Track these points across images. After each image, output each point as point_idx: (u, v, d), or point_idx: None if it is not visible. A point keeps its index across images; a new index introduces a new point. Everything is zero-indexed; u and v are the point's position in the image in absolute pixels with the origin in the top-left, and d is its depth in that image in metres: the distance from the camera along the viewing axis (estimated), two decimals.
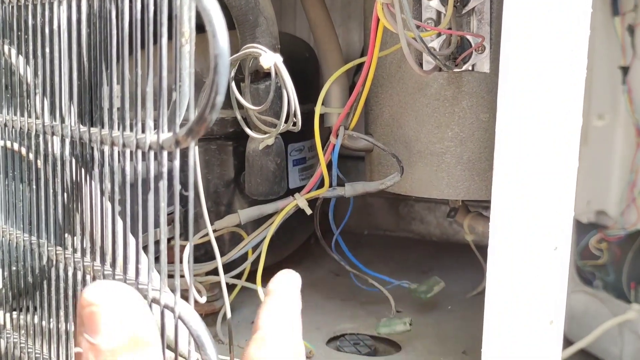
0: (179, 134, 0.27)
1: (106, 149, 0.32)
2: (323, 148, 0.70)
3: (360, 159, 0.76)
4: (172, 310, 0.28)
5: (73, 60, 0.34)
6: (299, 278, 0.33)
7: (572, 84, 0.37)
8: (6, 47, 0.38)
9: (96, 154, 0.33)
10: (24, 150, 0.38)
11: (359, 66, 0.55)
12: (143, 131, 0.29)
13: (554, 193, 0.38)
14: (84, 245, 0.34)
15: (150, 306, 0.30)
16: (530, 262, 0.39)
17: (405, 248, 0.79)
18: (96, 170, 0.33)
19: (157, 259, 0.52)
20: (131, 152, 0.30)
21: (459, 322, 0.56)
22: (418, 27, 0.44)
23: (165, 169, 0.28)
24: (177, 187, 0.28)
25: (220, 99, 0.26)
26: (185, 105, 0.32)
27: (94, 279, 0.34)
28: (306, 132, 0.62)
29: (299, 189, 0.58)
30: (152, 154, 0.29)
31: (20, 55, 0.37)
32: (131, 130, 0.30)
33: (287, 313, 0.31)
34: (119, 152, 0.30)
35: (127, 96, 0.31)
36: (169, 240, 0.56)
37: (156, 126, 0.28)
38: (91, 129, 0.32)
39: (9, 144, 0.39)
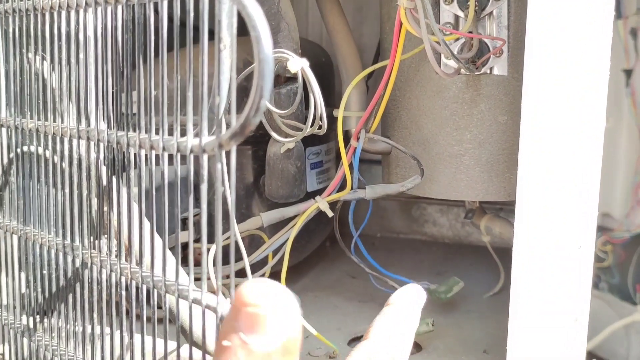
0: (222, 138, 0.27)
1: (143, 152, 0.32)
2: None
3: (372, 162, 0.77)
4: (215, 310, 0.29)
5: (108, 65, 0.34)
6: (424, 294, 0.33)
7: (594, 84, 0.37)
8: (38, 55, 0.39)
9: (132, 158, 0.33)
10: (55, 156, 0.38)
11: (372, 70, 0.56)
12: (181, 135, 0.30)
13: (577, 191, 0.38)
14: (120, 248, 0.35)
15: (191, 307, 0.31)
16: (554, 260, 0.39)
17: (419, 250, 0.80)
18: (132, 174, 0.34)
19: (183, 260, 0.52)
20: (170, 156, 0.31)
21: (478, 322, 0.57)
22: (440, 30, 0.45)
23: (205, 172, 0.29)
24: (220, 189, 0.28)
25: (264, 103, 0.26)
26: (222, 109, 0.32)
27: (130, 281, 0.34)
28: (323, 136, 0.63)
29: (315, 192, 0.58)
30: (192, 157, 0.30)
31: (51, 61, 0.38)
32: (170, 134, 0.30)
33: (400, 330, 0.31)
34: (157, 155, 0.31)
35: (165, 101, 0.32)
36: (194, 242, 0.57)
37: (196, 130, 0.29)
38: (128, 133, 0.33)
39: (41, 149, 0.39)
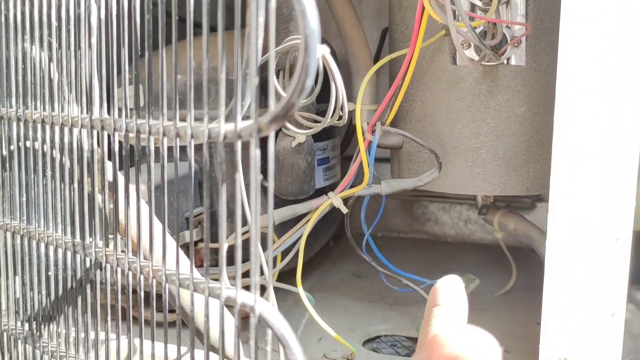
0: (262, 121, 0.25)
1: (165, 142, 0.30)
2: (347, 145, 0.69)
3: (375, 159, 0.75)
4: (252, 309, 0.27)
5: (125, 50, 0.32)
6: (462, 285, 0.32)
7: (631, 75, 0.36)
8: (44, 41, 0.36)
9: (152, 148, 0.31)
10: (63, 149, 0.36)
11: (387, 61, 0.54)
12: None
13: (614, 183, 0.37)
14: (139, 246, 0.33)
15: (223, 306, 0.29)
16: (590, 253, 0.38)
17: (422, 249, 0.78)
18: (152, 165, 0.31)
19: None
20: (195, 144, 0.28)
21: (494, 321, 0.55)
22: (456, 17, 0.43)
23: (239, 159, 0.27)
24: (259, 177, 0.26)
25: (310, 81, 0.24)
26: (252, 90, 0.30)
27: (152, 279, 0.32)
28: (329, 131, 0.61)
29: (321, 190, 0.56)
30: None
31: (59, 47, 0.35)
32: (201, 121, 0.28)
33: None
34: (187, 144, 0.29)
35: (192, 85, 0.29)
36: (197, 243, 0.54)
37: (229, 115, 0.27)
38: (151, 120, 0.30)
39: (47, 142, 0.37)
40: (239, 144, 0.26)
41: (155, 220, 0.32)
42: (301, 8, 0.24)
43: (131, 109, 0.32)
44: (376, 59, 0.70)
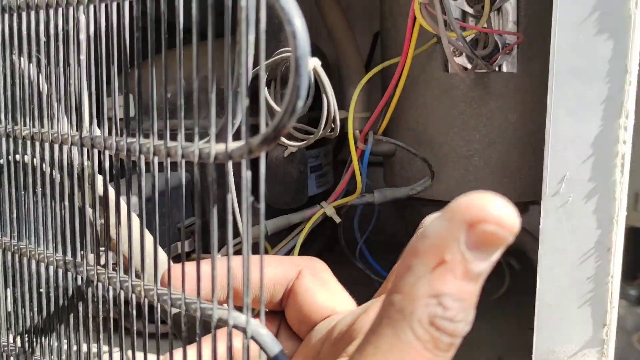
0: (253, 143, 0.25)
1: (156, 160, 0.30)
2: (339, 150, 0.68)
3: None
4: (243, 330, 0.27)
5: (114, 66, 0.32)
6: None
7: (624, 79, 0.36)
8: (33, 57, 0.36)
9: (142, 166, 0.31)
10: (53, 166, 0.36)
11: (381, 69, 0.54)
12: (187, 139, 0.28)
13: (605, 184, 0.37)
14: (131, 264, 0.32)
15: (216, 327, 0.29)
16: (582, 264, 0.38)
17: None
18: (143, 185, 0.31)
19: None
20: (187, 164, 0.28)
21: (489, 326, 0.55)
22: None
23: (232, 180, 0.27)
24: (249, 198, 0.26)
25: (300, 103, 0.24)
26: (243, 112, 0.30)
27: (143, 299, 0.32)
28: (321, 138, 0.60)
29: (314, 197, 0.56)
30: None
31: (47, 63, 0.35)
32: (190, 140, 0.28)
33: None
34: (178, 163, 0.28)
35: (182, 103, 0.29)
36: (190, 253, 0.54)
37: (220, 135, 0.27)
38: (141, 139, 0.30)
39: (36, 158, 0.36)
40: (229, 165, 0.26)
41: (148, 235, 0.32)
42: (292, 29, 0.23)
43: (121, 119, 0.32)
44: (368, 63, 0.70)
